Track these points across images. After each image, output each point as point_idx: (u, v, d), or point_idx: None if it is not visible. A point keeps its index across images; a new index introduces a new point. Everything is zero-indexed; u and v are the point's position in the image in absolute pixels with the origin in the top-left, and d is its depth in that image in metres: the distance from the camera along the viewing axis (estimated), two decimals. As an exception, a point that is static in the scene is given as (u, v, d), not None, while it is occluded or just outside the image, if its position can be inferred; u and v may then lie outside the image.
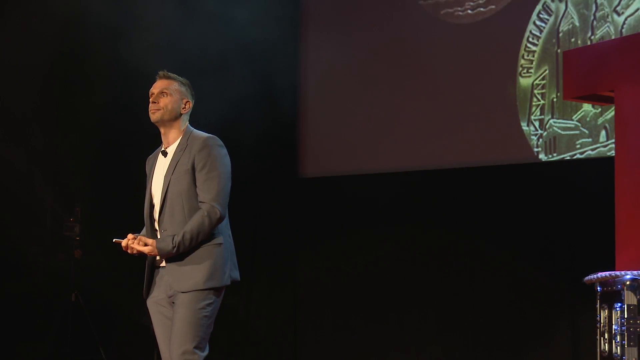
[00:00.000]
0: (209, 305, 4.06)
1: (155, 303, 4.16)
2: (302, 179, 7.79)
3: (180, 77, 4.31)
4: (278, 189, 7.79)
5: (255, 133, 7.62)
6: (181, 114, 4.24)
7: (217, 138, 4.20)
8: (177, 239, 4.02)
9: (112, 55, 7.73)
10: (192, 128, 4.27)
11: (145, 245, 4.05)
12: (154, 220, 4.18)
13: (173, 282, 4.07)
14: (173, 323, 4.04)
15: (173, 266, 4.08)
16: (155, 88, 4.26)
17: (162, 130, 4.26)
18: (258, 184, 7.67)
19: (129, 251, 4.12)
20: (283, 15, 7.58)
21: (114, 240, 4.15)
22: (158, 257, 4.12)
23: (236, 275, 4.19)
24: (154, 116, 4.22)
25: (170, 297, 4.09)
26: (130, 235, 4.12)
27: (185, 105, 4.25)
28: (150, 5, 7.25)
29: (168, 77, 4.27)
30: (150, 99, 4.24)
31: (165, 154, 4.24)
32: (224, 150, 4.18)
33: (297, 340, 7.66)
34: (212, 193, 4.07)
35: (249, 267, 7.65)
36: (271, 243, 7.78)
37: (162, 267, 4.14)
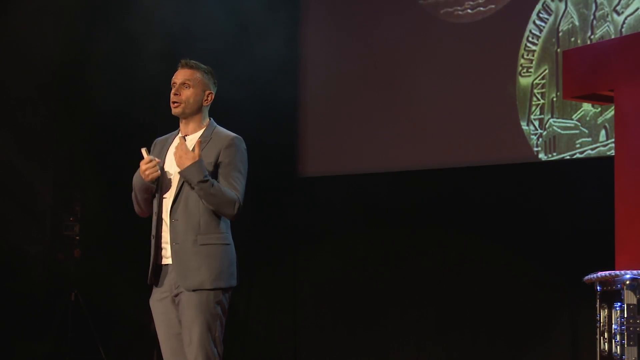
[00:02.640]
0: (218, 303, 4.00)
1: (158, 302, 4.09)
2: (302, 179, 7.79)
3: (203, 66, 4.19)
4: (278, 189, 7.79)
5: (255, 132, 7.61)
6: (203, 106, 4.15)
7: (243, 140, 4.15)
8: (210, 178, 3.92)
9: (112, 55, 7.74)
10: (215, 123, 4.19)
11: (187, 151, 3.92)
12: (161, 207, 4.08)
13: (179, 279, 3.99)
14: (185, 326, 3.98)
15: (180, 262, 4.00)
16: (178, 78, 4.14)
17: (182, 121, 4.17)
18: (258, 184, 7.67)
19: (146, 168, 3.99)
20: (282, 14, 7.58)
21: (142, 149, 4.02)
22: (181, 174, 3.96)
23: (236, 280, 4.13)
24: (175, 110, 4.12)
25: (175, 295, 4.03)
26: (158, 160, 4.04)
27: (207, 97, 4.15)
28: (150, 5, 7.26)
29: (191, 67, 4.15)
30: (172, 90, 4.12)
31: (183, 140, 4.12)
32: (247, 154, 4.14)
33: (297, 340, 7.66)
34: (237, 190, 4.02)
35: (249, 267, 7.65)
36: (271, 243, 7.78)
37: (166, 264, 4.07)
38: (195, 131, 4.15)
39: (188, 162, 3.92)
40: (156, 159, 4.05)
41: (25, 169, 7.70)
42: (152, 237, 4.13)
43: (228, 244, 4.07)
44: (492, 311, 6.71)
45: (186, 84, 4.11)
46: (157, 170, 4.03)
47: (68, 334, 7.58)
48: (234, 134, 4.14)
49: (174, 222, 4.03)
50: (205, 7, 7.44)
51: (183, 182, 4.03)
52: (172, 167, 4.12)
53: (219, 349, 4.01)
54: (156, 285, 4.12)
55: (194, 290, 3.98)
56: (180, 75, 4.14)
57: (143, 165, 4.03)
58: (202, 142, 4.07)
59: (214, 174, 4.03)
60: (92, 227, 7.74)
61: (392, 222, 7.23)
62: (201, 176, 3.91)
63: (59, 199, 7.96)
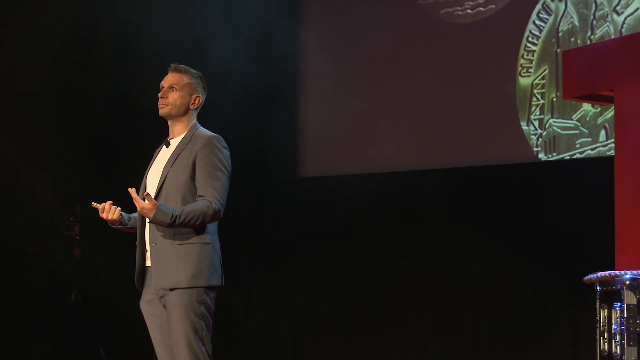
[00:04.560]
0: (201, 303, 4.00)
1: (147, 304, 4.12)
2: (302, 179, 7.79)
3: (192, 70, 4.24)
4: (278, 189, 7.79)
5: (255, 133, 7.62)
6: (190, 109, 4.20)
7: (222, 139, 4.16)
8: (176, 213, 3.92)
9: (113, 55, 7.74)
10: (199, 125, 4.23)
11: (145, 202, 3.93)
12: None
13: (156, 278, 4.03)
14: (172, 327, 3.99)
15: (158, 262, 4.03)
16: (165, 82, 4.20)
17: (169, 123, 4.23)
18: (258, 184, 7.68)
19: (106, 216, 4.08)
20: (282, 15, 7.58)
21: (92, 204, 4.09)
22: (147, 221, 4.02)
23: (221, 280, 4.12)
24: (161, 111, 4.18)
25: (161, 297, 4.05)
26: (109, 202, 4.10)
27: (194, 100, 4.20)
28: (149, 8, 7.25)
29: (179, 71, 4.21)
30: (160, 93, 4.19)
31: (167, 144, 4.20)
32: (227, 152, 4.15)
33: (297, 340, 7.66)
34: (215, 191, 4.02)
35: (249, 267, 7.65)
36: (271, 243, 7.77)
37: (150, 266, 4.10)
38: (180, 133, 4.20)
39: (151, 214, 3.92)
40: (99, 206, 4.12)
41: (25, 169, 7.69)
42: (136, 240, 4.17)
43: (208, 243, 4.06)
44: (492, 311, 6.71)
45: (173, 88, 4.18)
46: (114, 213, 4.11)
47: (68, 334, 7.58)
48: (212, 134, 4.17)
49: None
50: (206, 8, 7.44)
51: (162, 183, 4.09)
52: (154, 170, 4.19)
53: (208, 348, 4.02)
54: (142, 288, 4.15)
55: (172, 290, 3.99)
56: (169, 79, 4.21)
57: (102, 216, 4.13)
58: (181, 144, 4.13)
59: (192, 175, 4.06)
60: (92, 227, 7.73)
61: (392, 222, 7.23)
62: (167, 218, 3.92)
63: (58, 199, 7.95)
